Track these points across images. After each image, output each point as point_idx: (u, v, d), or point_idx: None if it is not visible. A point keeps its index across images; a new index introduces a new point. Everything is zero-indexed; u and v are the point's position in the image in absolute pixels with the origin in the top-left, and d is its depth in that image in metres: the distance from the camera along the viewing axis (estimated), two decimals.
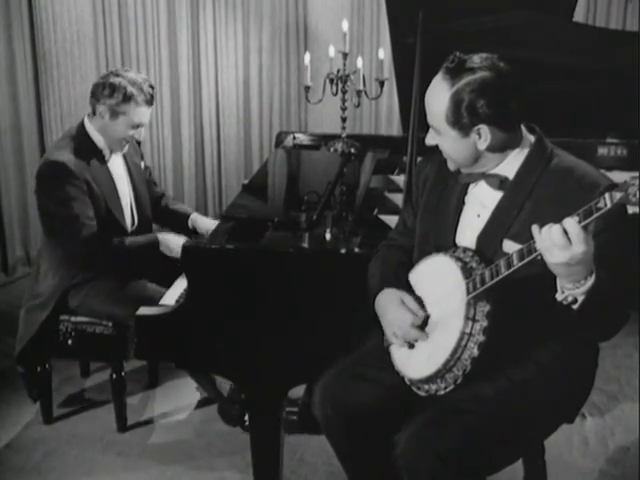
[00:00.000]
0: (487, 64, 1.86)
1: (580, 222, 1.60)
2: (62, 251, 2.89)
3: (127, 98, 2.81)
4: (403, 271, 2.09)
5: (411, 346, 2.00)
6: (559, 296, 1.75)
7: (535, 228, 1.68)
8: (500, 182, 1.95)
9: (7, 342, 3.59)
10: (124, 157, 3.04)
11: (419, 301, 2.00)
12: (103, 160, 2.93)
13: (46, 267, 2.94)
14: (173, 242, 2.92)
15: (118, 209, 2.97)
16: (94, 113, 2.88)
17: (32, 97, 4.45)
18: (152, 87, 2.89)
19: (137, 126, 2.88)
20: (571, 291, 1.72)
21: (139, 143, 3.20)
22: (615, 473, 2.85)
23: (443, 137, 1.94)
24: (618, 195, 1.54)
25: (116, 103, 2.82)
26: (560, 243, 1.63)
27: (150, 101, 2.87)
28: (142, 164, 3.17)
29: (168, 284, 2.85)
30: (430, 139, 1.99)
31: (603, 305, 1.76)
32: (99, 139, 2.91)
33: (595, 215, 1.59)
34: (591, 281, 1.69)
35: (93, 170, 2.88)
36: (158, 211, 3.23)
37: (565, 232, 1.63)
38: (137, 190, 3.07)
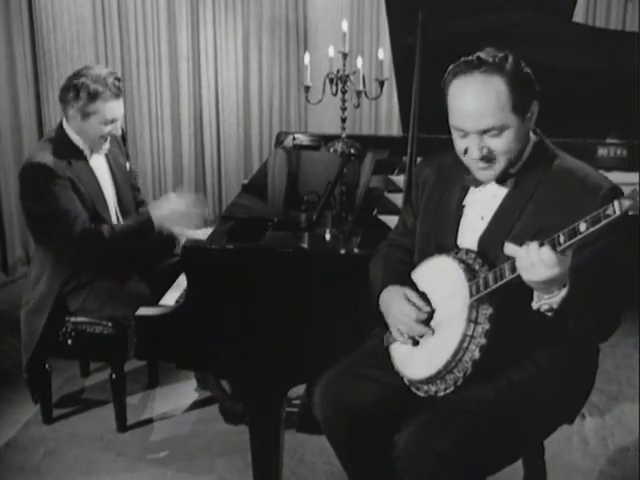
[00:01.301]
0: (498, 53, 1.88)
1: (588, 228, 1.60)
2: (54, 252, 2.86)
3: (93, 97, 2.77)
4: (405, 270, 2.09)
5: (415, 343, 1.99)
6: (534, 304, 1.77)
7: (513, 248, 1.70)
8: (507, 176, 1.94)
9: (7, 342, 3.60)
10: (106, 157, 3.00)
11: (423, 296, 1.99)
12: (85, 160, 2.90)
13: (37, 272, 2.92)
14: (168, 220, 2.89)
15: (104, 208, 2.93)
16: (67, 117, 2.86)
17: (32, 97, 4.45)
18: (118, 79, 2.84)
19: (111, 121, 2.84)
20: (545, 300, 1.75)
21: (125, 141, 3.16)
22: (615, 473, 2.85)
23: (505, 133, 1.87)
24: (627, 203, 1.54)
25: (84, 104, 2.79)
26: (537, 264, 1.66)
27: (117, 94, 2.82)
28: (127, 165, 3.13)
29: (167, 286, 2.83)
30: (480, 145, 1.89)
31: (577, 312, 1.77)
32: (78, 140, 2.88)
33: (603, 222, 1.58)
34: (564, 291, 1.71)
35: (76, 170, 2.84)
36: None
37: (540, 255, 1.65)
38: (120, 191, 3.03)
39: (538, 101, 1.91)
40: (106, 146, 2.93)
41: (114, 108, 2.83)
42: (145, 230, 2.87)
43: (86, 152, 2.90)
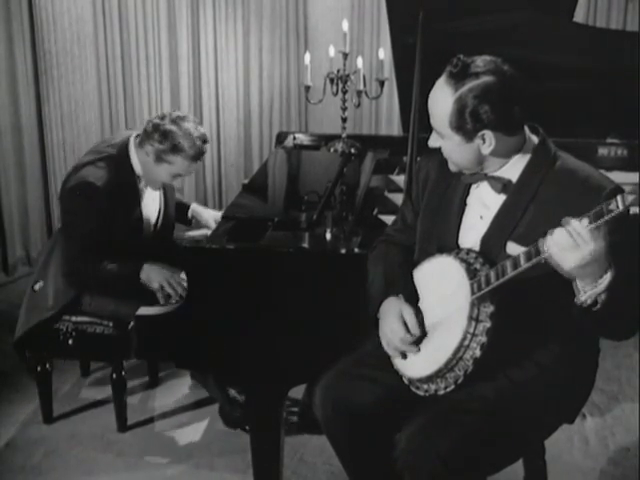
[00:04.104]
0: (491, 68, 1.84)
1: (590, 223, 1.60)
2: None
3: (176, 150, 2.76)
4: (406, 270, 2.08)
5: (404, 356, 1.99)
6: (579, 299, 1.75)
7: (542, 242, 1.69)
8: (503, 185, 1.95)
9: (7, 341, 3.60)
10: None
11: (419, 314, 1.98)
12: (136, 184, 2.88)
13: (60, 264, 2.92)
14: (155, 272, 2.78)
15: (140, 231, 2.93)
16: (140, 146, 2.83)
17: (32, 97, 4.44)
18: (205, 141, 2.83)
19: (178, 175, 2.85)
20: (591, 291, 1.72)
21: None
22: (615, 473, 2.85)
23: (446, 141, 1.92)
24: (630, 198, 1.54)
25: (163, 150, 2.77)
26: (568, 246, 1.64)
27: (198, 157, 2.82)
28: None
29: None
30: (433, 142, 1.98)
31: (624, 300, 1.76)
32: (137, 167, 2.86)
33: (606, 217, 1.58)
34: (609, 276, 1.69)
35: (125, 195, 2.83)
36: None
37: (570, 234, 1.63)
38: (166, 212, 3.04)
39: (497, 132, 1.86)
40: (158, 187, 2.94)
41: (188, 167, 2.83)
42: (129, 279, 2.80)
43: (141, 179, 2.89)
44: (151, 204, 3.00)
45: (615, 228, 1.71)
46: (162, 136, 2.75)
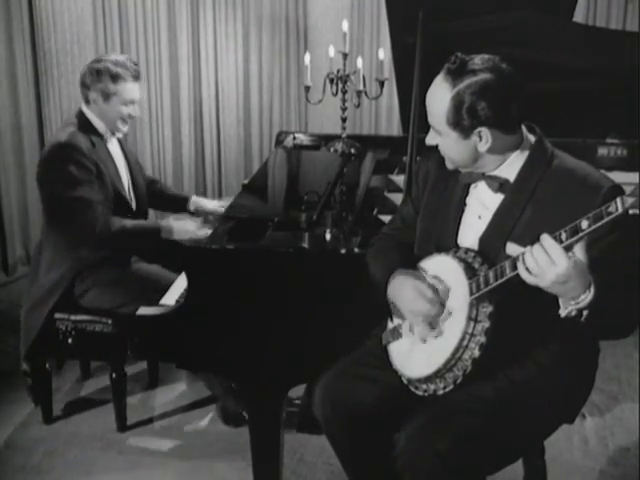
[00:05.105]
0: (489, 66, 1.85)
1: (590, 225, 1.60)
2: (69, 237, 2.89)
3: (114, 78, 2.90)
4: (407, 262, 2.07)
5: (433, 326, 1.97)
6: (562, 312, 1.75)
7: (516, 248, 1.71)
8: (499, 185, 1.95)
9: (7, 342, 3.60)
10: (119, 142, 3.09)
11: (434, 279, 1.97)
12: (104, 143, 2.99)
13: (50, 258, 2.93)
14: (175, 225, 2.96)
15: (123, 190, 3.02)
16: (87, 101, 2.95)
17: (32, 97, 4.45)
18: (135, 63, 2.98)
19: (131, 102, 2.96)
20: (574, 307, 1.72)
21: None
22: (615, 473, 2.85)
23: (443, 138, 1.93)
24: (630, 200, 1.54)
25: (105, 85, 2.90)
26: (542, 262, 1.64)
27: (137, 76, 2.96)
28: None
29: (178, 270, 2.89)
30: (430, 139, 1.98)
31: (611, 311, 1.75)
32: (99, 124, 2.97)
33: (606, 219, 1.57)
34: (590, 295, 1.69)
35: (98, 153, 2.93)
36: (153, 196, 3.29)
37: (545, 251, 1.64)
38: (133, 173, 3.13)
39: (494, 129, 1.87)
40: (125, 129, 3.03)
41: (134, 90, 2.96)
42: (151, 235, 2.95)
43: (106, 136, 3.00)
44: (123, 170, 3.07)
45: (597, 241, 1.72)
46: (97, 75, 2.91)
